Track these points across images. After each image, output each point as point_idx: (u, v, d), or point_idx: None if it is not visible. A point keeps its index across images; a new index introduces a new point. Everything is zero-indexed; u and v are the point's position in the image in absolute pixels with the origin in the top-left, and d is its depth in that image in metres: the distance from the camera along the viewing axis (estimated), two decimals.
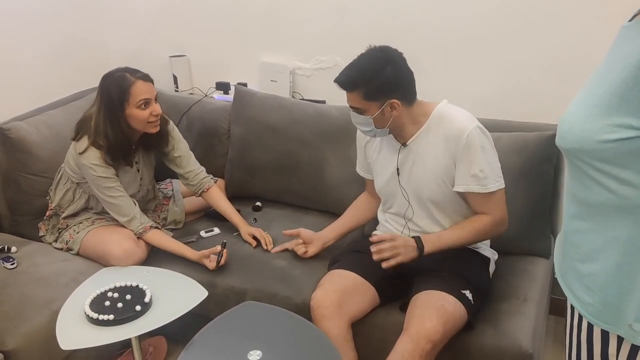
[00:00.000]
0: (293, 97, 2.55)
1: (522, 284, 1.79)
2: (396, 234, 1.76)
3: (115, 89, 1.86)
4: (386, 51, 1.64)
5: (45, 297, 1.79)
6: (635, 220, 0.90)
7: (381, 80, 1.60)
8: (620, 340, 0.99)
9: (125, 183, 2.00)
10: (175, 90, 2.72)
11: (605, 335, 1.01)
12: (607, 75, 0.94)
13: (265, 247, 2.05)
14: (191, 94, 2.72)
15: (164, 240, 2.00)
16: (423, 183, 1.72)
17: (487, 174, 1.62)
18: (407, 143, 1.73)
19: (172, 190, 2.33)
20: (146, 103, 1.88)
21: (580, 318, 1.06)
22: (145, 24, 2.75)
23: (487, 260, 1.81)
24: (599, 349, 1.03)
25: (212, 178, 2.18)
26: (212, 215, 2.30)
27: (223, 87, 2.63)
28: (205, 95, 2.62)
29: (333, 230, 2.01)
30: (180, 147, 2.12)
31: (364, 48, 2.38)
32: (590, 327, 1.03)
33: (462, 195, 1.70)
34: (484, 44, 2.15)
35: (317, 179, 2.28)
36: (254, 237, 2.09)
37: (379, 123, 1.66)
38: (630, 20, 0.99)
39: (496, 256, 1.87)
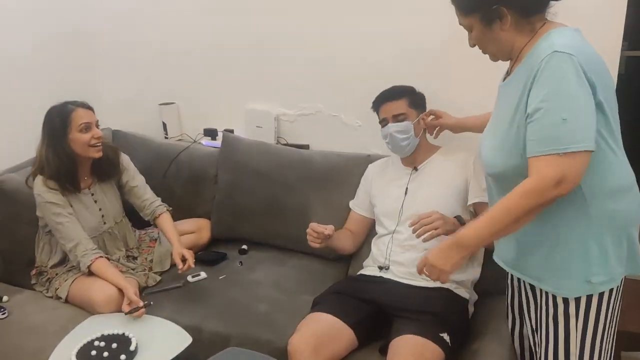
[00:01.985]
0: (278, 141, 2.64)
1: (497, 325, 1.83)
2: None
3: (57, 116, 2.05)
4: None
5: (34, 347, 1.83)
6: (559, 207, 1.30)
7: (418, 94, 2.06)
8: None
9: (81, 213, 2.09)
10: (165, 137, 2.81)
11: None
12: (498, 127, 1.39)
13: (183, 266, 2.07)
14: (180, 140, 2.81)
15: (108, 269, 2.01)
16: (434, 202, 1.89)
17: None
18: (418, 167, 2.03)
19: (158, 233, 2.40)
20: (87, 127, 2.04)
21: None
22: (136, 74, 2.86)
23: (464, 301, 1.87)
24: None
25: (165, 207, 2.29)
26: (199, 259, 2.36)
27: (211, 133, 2.72)
28: (194, 142, 2.71)
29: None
30: (137, 178, 2.28)
31: (343, 96, 2.52)
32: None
33: (474, 208, 1.92)
34: (455, 88, 2.26)
35: (301, 222, 2.33)
36: (183, 259, 2.09)
37: (416, 130, 1.99)
38: (504, 80, 1.45)
39: (476, 297, 1.94)
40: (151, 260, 2.30)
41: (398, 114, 1.96)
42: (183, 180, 2.53)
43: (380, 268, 1.99)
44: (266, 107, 2.63)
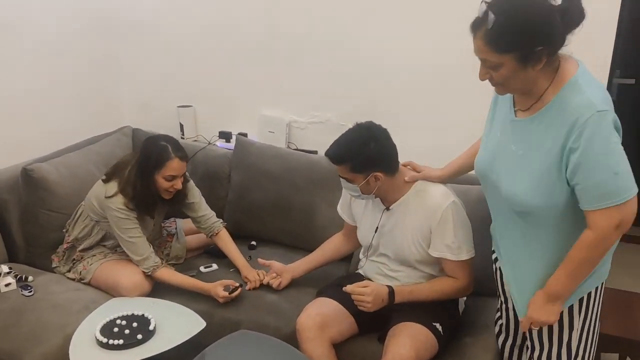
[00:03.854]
0: (288, 147, 2.81)
1: (487, 320, 2.00)
2: (369, 282, 1.93)
3: (155, 156, 2.13)
4: (370, 129, 1.85)
5: (59, 322, 1.98)
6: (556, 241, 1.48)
7: (365, 156, 1.81)
8: None
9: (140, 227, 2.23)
10: (182, 138, 2.97)
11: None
12: (528, 168, 1.43)
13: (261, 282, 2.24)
14: (195, 141, 2.98)
15: (174, 276, 2.20)
16: (403, 245, 1.92)
17: (459, 244, 1.84)
18: (390, 207, 1.94)
19: (176, 228, 2.55)
20: (172, 178, 2.15)
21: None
22: (156, 77, 3.04)
23: (455, 299, 2.03)
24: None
25: (221, 222, 2.40)
26: (211, 253, 2.51)
27: (225, 136, 2.89)
28: (209, 143, 2.88)
29: (302, 264, 2.24)
30: (194, 195, 2.36)
31: (351, 106, 2.68)
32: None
33: (436, 258, 1.90)
34: (458, 104, 2.43)
35: (307, 221, 2.52)
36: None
37: (365, 190, 1.88)
38: (515, 115, 1.48)
39: (464, 297, 2.09)
40: (167, 254, 2.46)
41: (342, 177, 1.89)
42: (198, 178, 2.66)
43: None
44: (279, 113, 2.81)
